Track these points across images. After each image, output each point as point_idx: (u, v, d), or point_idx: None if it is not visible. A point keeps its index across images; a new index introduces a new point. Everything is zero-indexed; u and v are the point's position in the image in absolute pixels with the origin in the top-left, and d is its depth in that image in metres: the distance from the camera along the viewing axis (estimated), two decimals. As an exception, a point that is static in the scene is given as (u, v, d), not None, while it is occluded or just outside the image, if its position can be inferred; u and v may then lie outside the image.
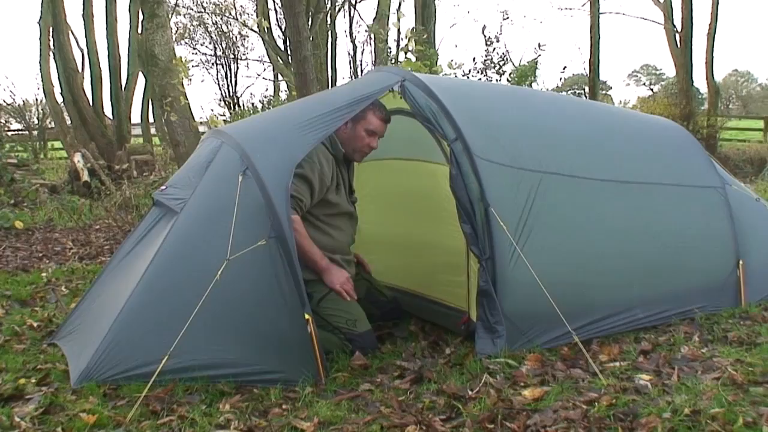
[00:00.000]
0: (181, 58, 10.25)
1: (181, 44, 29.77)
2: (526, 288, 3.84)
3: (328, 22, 20.59)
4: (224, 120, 11.04)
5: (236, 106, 24.90)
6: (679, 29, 22.60)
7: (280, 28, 22.65)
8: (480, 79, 15.20)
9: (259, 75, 40.99)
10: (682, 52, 22.58)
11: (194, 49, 31.40)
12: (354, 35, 23.92)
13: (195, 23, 30.00)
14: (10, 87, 38.69)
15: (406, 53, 9.68)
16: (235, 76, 32.67)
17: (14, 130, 28.94)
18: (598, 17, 22.54)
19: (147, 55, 10.44)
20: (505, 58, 15.49)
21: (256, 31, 21.09)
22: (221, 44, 31.61)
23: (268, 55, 23.86)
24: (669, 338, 4.14)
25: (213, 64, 32.13)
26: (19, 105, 28.93)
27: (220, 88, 32.38)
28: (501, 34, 15.44)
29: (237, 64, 32.38)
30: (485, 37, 15.47)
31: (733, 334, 4.14)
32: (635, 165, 4.66)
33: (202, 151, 4.45)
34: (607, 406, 3.12)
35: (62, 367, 3.98)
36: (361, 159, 4.55)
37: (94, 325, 4.03)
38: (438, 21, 18.86)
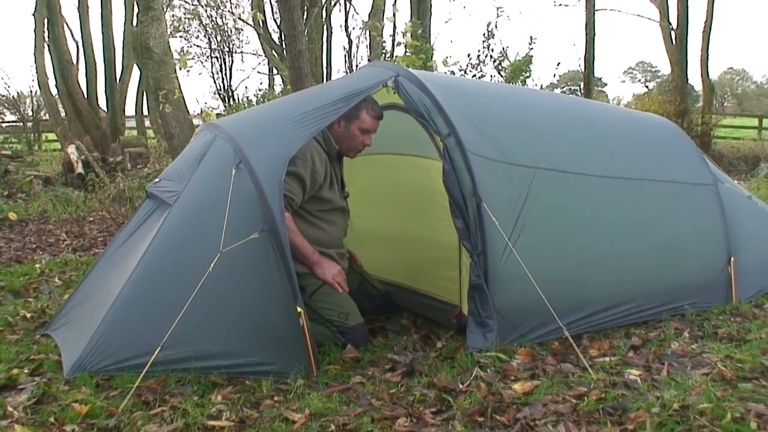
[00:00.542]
0: (182, 49, 10.25)
1: (175, 37, 29.68)
2: (517, 283, 3.85)
3: (324, 16, 20.54)
4: (218, 113, 11.04)
5: (231, 100, 24.86)
6: (675, 26, 22.61)
7: (275, 22, 22.58)
8: (475, 75, 15.21)
9: (254, 69, 40.84)
10: (678, 49, 22.60)
11: (189, 42, 31.32)
12: (349, 30, 23.90)
13: (189, 16, 29.88)
14: (4, 78, 38.48)
15: (405, 48, 9.69)
16: (230, 69, 32.51)
17: (8, 122, 28.88)
18: (594, 13, 22.51)
19: (142, 47, 10.42)
20: (504, 54, 15.50)
21: (251, 25, 21.03)
22: (216, 37, 31.51)
23: (262, 48, 23.77)
24: (659, 334, 4.15)
25: (207, 57, 32.03)
26: (13, 97, 28.91)
27: (214, 82, 32.25)
28: (497, 29, 15.39)
29: (232, 57, 32.26)
30: (487, 31, 15.47)
31: (723, 331, 4.16)
32: (628, 162, 4.68)
33: (196, 144, 4.46)
34: (597, 400, 3.14)
35: (55, 357, 3.98)
36: (356, 156, 4.57)
37: (88, 316, 4.04)
38: (433, 16, 18.87)
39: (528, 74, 15.44)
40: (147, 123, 25.85)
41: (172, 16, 27.22)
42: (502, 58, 15.39)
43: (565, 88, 34.13)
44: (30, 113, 29.28)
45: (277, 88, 20.14)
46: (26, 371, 3.75)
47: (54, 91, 20.71)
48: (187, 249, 3.84)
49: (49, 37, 20.03)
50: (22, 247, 8.29)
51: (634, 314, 4.33)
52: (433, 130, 4.14)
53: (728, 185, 5.07)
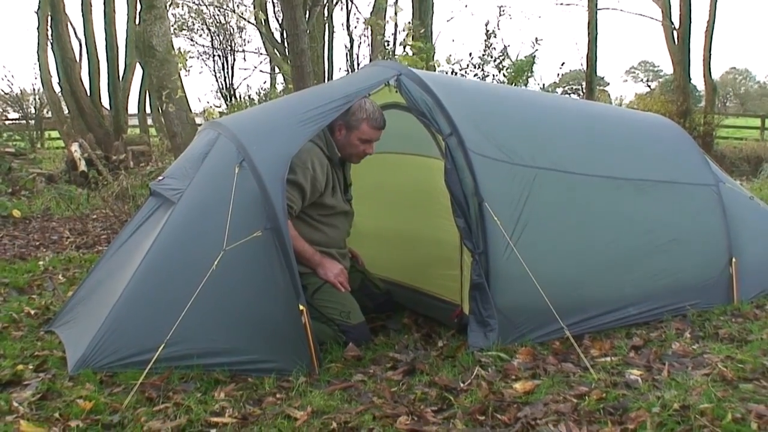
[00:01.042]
0: (179, 49, 10.26)
1: (178, 36, 29.70)
2: (518, 282, 3.87)
3: (326, 14, 20.53)
4: (220, 112, 11.04)
5: (233, 98, 24.86)
6: (677, 26, 22.62)
7: (278, 21, 22.57)
8: (476, 75, 15.20)
9: (255, 67, 40.89)
10: (680, 49, 22.61)
11: (191, 40, 31.34)
12: (351, 28, 23.89)
13: (192, 15, 29.89)
14: (8, 76, 38.47)
15: (404, 47, 9.69)
16: (232, 68, 32.56)
17: (12, 120, 28.89)
18: (596, 13, 22.56)
19: (145, 46, 10.42)
20: (504, 53, 15.49)
21: (253, 24, 21.05)
22: (218, 36, 31.53)
23: (265, 47, 23.77)
24: (660, 334, 4.16)
25: (210, 55, 32.06)
26: (16, 94, 28.90)
27: (217, 80, 32.29)
28: (498, 29, 15.38)
29: (234, 56, 32.29)
30: (487, 31, 15.46)
31: (724, 331, 4.17)
32: (630, 162, 4.69)
33: (199, 143, 4.47)
34: (597, 400, 3.16)
35: (59, 354, 4.00)
36: (358, 162, 4.58)
37: (91, 313, 4.06)
38: (435, 15, 18.86)
39: (531, 74, 15.44)
40: (149, 121, 25.86)
41: (175, 14, 27.24)
42: (503, 57, 15.36)
43: (567, 88, 34.09)
44: (33, 111, 29.29)
45: (279, 87, 20.15)
46: (31, 367, 3.77)
47: (57, 89, 20.71)
48: (191, 247, 3.85)
49: (52, 35, 20.04)
50: (26, 245, 8.32)
51: (636, 314, 4.33)
52: (435, 129, 4.15)
53: (730, 186, 5.07)
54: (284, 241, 3.71)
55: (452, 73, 14.12)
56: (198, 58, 31.06)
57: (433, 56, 13.90)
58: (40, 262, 6.95)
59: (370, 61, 19.21)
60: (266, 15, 20.65)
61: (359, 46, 23.91)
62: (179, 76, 10.16)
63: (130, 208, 9.76)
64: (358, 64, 22.72)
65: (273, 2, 22.41)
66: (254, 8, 19.07)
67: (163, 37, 10.30)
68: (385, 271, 5.22)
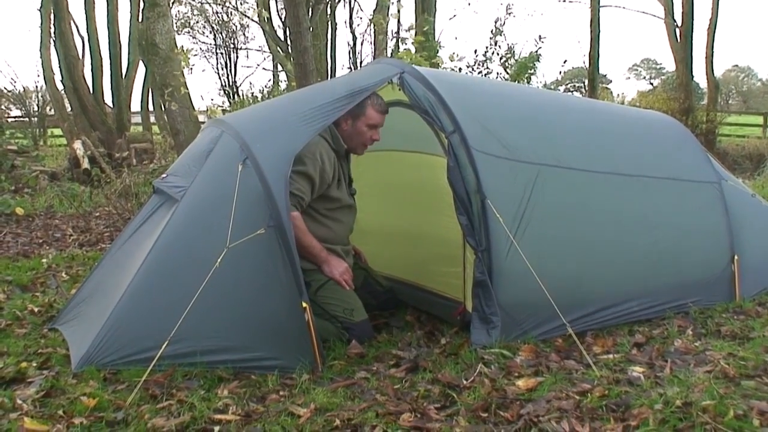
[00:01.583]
0: (182, 47, 10.25)
1: (181, 34, 29.72)
2: (521, 279, 3.87)
3: (328, 12, 20.52)
4: (223, 110, 11.04)
5: (236, 96, 24.86)
6: (680, 24, 22.57)
7: (281, 19, 22.59)
8: (481, 72, 15.19)
9: (258, 65, 40.96)
10: (682, 46, 22.55)
11: (194, 38, 31.36)
12: (354, 26, 23.89)
13: (196, 13, 29.91)
14: (10, 74, 38.41)
15: (414, 45, 9.68)
16: (235, 65, 32.62)
17: (14, 117, 28.88)
18: (599, 10, 22.50)
19: (148, 43, 10.42)
20: (511, 51, 15.49)
21: (256, 21, 21.03)
22: (221, 34, 31.55)
23: (268, 45, 23.79)
24: (663, 331, 4.17)
25: (213, 53, 32.08)
26: (19, 92, 28.89)
27: (219, 78, 32.33)
28: (504, 24, 15.37)
29: (237, 53, 32.32)
30: (495, 28, 15.45)
31: (726, 329, 4.17)
32: (632, 159, 4.69)
33: (203, 140, 4.48)
34: (600, 397, 3.16)
35: (63, 351, 4.01)
36: (363, 152, 4.60)
37: (95, 310, 4.07)
38: (438, 12, 18.85)
39: (533, 72, 15.43)
40: (152, 119, 25.88)
41: (179, 12, 27.27)
42: (509, 55, 15.36)
43: (569, 85, 34.08)
44: (36, 108, 29.30)
45: (282, 85, 20.13)
46: (34, 365, 3.79)
47: (60, 86, 20.72)
48: (194, 244, 3.87)
49: (55, 33, 20.05)
50: (29, 242, 8.33)
51: (638, 311, 4.34)
52: (438, 127, 4.16)
53: (732, 183, 5.07)
54: (287, 239, 3.72)
55: (459, 71, 14.11)
56: (201, 56, 31.12)
57: (437, 53, 13.87)
58: (44, 260, 6.96)
59: (373, 58, 19.20)
60: (269, 13, 20.63)
61: (362, 44, 23.97)
62: (182, 73, 10.16)
63: (133, 206, 9.77)
64: (361, 62, 22.73)
65: (276, 0, 22.43)
66: (257, 6, 19.05)
67: (166, 35, 10.30)
68: (388, 268, 5.23)
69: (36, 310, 5.01)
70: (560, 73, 23.00)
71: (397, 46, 17.91)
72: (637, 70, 63.18)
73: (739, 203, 4.92)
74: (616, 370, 3.53)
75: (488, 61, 15.30)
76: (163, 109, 12.16)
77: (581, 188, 4.37)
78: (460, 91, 4.43)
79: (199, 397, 3.31)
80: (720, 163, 5.36)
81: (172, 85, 9.90)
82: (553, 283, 3.84)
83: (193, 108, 10.77)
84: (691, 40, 22.43)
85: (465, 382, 3.44)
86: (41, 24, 20.72)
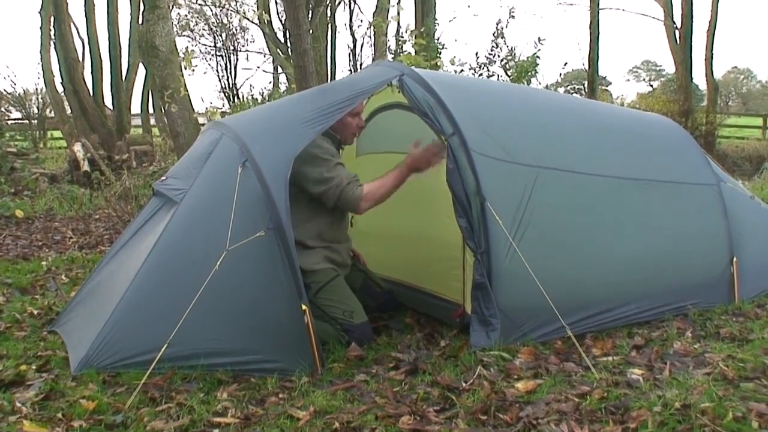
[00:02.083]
0: (186, 49, 10.26)
1: (181, 36, 29.74)
2: (520, 282, 3.88)
3: (328, 15, 20.53)
4: (222, 113, 11.04)
5: (236, 98, 24.87)
6: (679, 26, 22.62)
7: (281, 21, 22.63)
8: (482, 74, 15.18)
9: (258, 67, 40.94)
10: (682, 48, 22.61)
11: (194, 40, 31.37)
12: (354, 28, 23.92)
13: (195, 15, 29.93)
14: (10, 76, 38.37)
15: (414, 48, 9.69)
16: (235, 67, 32.62)
17: (14, 119, 28.88)
18: (598, 12, 22.54)
19: (148, 46, 10.41)
20: (512, 54, 15.47)
21: (256, 24, 21.05)
22: (221, 36, 31.57)
23: (268, 47, 23.80)
24: (662, 333, 4.17)
25: (213, 55, 32.10)
26: (19, 94, 28.87)
27: (219, 80, 32.33)
28: (507, 26, 15.34)
29: (237, 55, 32.34)
30: (497, 30, 15.43)
31: (725, 331, 4.17)
32: (631, 161, 4.70)
33: (203, 143, 4.49)
34: (599, 399, 3.17)
35: (62, 354, 4.02)
36: (353, 142, 4.67)
37: (94, 313, 4.07)
38: (437, 15, 18.85)
39: (533, 74, 15.41)
40: (152, 121, 25.90)
41: (179, 14, 27.29)
42: (511, 57, 15.34)
43: (569, 87, 34.08)
44: (35, 111, 29.29)
45: (282, 87, 20.15)
46: (34, 368, 3.79)
47: (60, 88, 20.72)
48: (194, 247, 3.87)
49: (55, 35, 20.03)
50: (29, 245, 8.32)
51: (637, 314, 4.35)
52: (437, 129, 4.16)
53: (731, 185, 5.08)
54: (287, 241, 3.72)
55: (460, 72, 14.11)
56: (201, 58, 31.14)
57: (438, 54, 13.86)
58: (43, 263, 6.96)
59: (373, 60, 19.22)
60: (269, 15, 20.66)
61: (362, 46, 23.98)
62: (182, 75, 10.16)
63: (133, 208, 9.77)
64: (361, 64, 22.76)
65: (276, 2, 22.46)
66: (257, 9, 19.07)
67: (167, 37, 10.29)
68: (388, 270, 5.23)
69: (35, 312, 5.01)
70: (560, 75, 23.02)
71: (397, 48, 17.91)
72: (636, 72, 63.21)
73: (738, 205, 4.93)
74: (615, 373, 3.54)
75: (490, 63, 15.28)
76: (163, 111, 12.15)
77: (580, 191, 4.38)
78: (460, 94, 4.43)
79: (198, 400, 3.31)
80: (719, 165, 5.37)
81: (172, 87, 9.89)
82: (552, 286, 3.85)
83: (193, 110, 10.77)
84: (691, 42, 22.49)
85: (464, 384, 3.44)
86: (41, 26, 20.71)
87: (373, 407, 3.23)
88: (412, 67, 4.50)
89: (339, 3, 21.85)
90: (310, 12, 13.69)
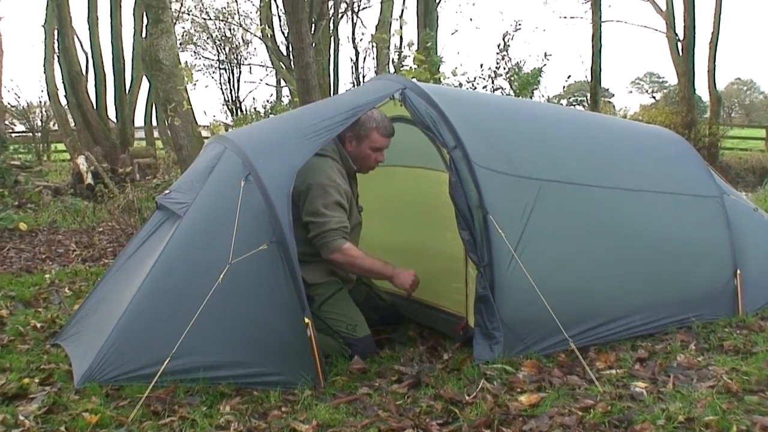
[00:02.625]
0: (186, 63, 10.29)
1: (185, 50, 29.85)
2: (523, 294, 3.87)
3: (331, 28, 20.62)
4: (226, 126, 11.07)
5: (239, 111, 24.94)
6: (682, 37, 22.66)
7: (284, 35, 22.70)
8: (485, 87, 15.22)
9: (261, 80, 41.09)
10: (684, 60, 22.65)
11: (197, 54, 31.50)
12: (356, 42, 23.99)
13: (199, 29, 30.06)
14: (14, 89, 38.47)
15: (416, 63, 9.71)
16: (238, 81, 32.75)
17: (18, 132, 28.97)
18: (600, 25, 22.57)
19: (151, 59, 10.45)
20: (519, 66, 15.52)
21: (259, 37, 21.13)
22: (224, 49, 31.69)
23: (270, 60, 23.91)
24: (666, 346, 4.16)
25: (216, 68, 32.22)
26: (23, 107, 28.98)
27: (222, 93, 32.47)
28: (513, 39, 15.36)
29: (240, 69, 32.46)
30: (504, 43, 15.48)
31: (729, 343, 4.16)
32: (634, 173, 4.70)
33: (206, 156, 4.50)
34: (603, 412, 3.16)
35: (65, 367, 4.02)
36: (367, 172, 4.63)
37: (97, 326, 4.07)
38: (440, 28, 18.92)
39: (536, 87, 15.44)
40: (156, 134, 25.96)
41: (183, 27, 27.40)
42: (517, 71, 15.37)
43: (571, 100, 34.11)
44: (39, 123, 29.38)
45: (285, 100, 20.20)
46: (37, 381, 3.79)
47: (63, 101, 20.81)
48: (197, 260, 3.88)
49: (58, 48, 20.13)
50: (32, 257, 8.33)
51: (641, 326, 4.33)
52: (440, 143, 4.17)
53: (734, 197, 5.07)
54: (289, 254, 3.72)
55: (459, 86, 14.13)
56: (204, 72, 31.25)
57: (439, 68, 13.90)
58: (47, 275, 6.96)
59: (376, 74, 19.26)
60: (272, 29, 20.73)
61: (364, 60, 24.02)
62: (185, 89, 10.19)
63: (137, 221, 9.78)
64: (364, 77, 22.81)
65: (279, 16, 22.54)
66: (260, 23, 19.15)
67: (170, 51, 10.33)
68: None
69: (39, 325, 5.02)
70: (563, 87, 23.03)
71: (399, 62, 17.96)
72: (639, 83, 63.28)
73: (741, 217, 4.92)
74: (619, 386, 3.53)
75: (495, 77, 15.30)
76: (166, 124, 12.19)
77: (583, 203, 4.38)
78: (462, 107, 4.44)
79: (201, 414, 3.31)
80: (722, 177, 5.37)
81: (176, 100, 9.92)
82: (556, 298, 3.85)
83: (197, 123, 10.80)
84: (693, 53, 22.52)
85: (467, 397, 3.43)
86: (45, 40, 20.85)
87: (376, 420, 3.22)
88: (414, 81, 4.51)
89: (342, 17, 21.94)
90: (313, 26, 13.76)
